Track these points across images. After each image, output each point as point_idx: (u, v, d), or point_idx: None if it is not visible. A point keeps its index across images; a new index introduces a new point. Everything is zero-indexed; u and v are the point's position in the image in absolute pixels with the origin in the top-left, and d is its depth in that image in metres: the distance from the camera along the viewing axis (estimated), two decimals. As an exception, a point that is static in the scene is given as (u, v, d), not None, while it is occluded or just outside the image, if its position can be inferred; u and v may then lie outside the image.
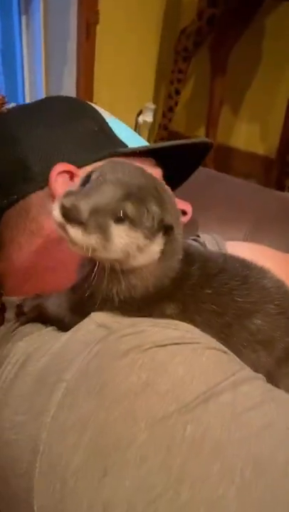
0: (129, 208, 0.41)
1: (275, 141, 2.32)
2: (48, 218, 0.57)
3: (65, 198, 0.41)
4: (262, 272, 0.50)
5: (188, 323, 0.47)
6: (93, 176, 0.43)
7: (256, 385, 0.41)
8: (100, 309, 0.47)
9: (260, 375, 0.44)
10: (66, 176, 0.57)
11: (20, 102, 0.70)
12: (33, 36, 1.84)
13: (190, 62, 2.19)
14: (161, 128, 2.36)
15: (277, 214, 0.92)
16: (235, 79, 2.37)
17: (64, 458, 0.37)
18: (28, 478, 0.39)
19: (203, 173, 0.98)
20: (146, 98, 2.48)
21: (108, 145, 0.61)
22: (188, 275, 0.47)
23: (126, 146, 0.63)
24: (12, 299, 0.60)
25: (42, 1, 1.76)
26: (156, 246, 0.44)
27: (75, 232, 0.40)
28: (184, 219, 0.69)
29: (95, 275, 0.43)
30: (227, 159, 2.55)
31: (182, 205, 0.69)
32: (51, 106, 0.66)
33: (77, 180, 0.57)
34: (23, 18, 1.82)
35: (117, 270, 0.44)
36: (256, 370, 0.46)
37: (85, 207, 0.40)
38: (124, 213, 0.41)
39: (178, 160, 0.72)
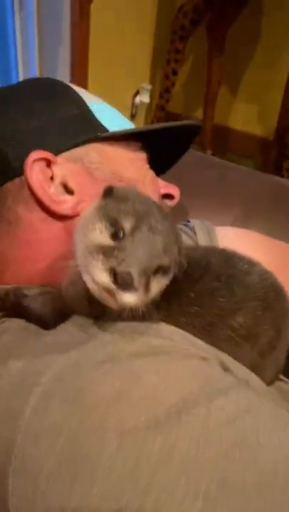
0: (167, 260, 0.42)
1: (273, 122, 2.30)
2: (24, 207, 0.56)
3: (108, 258, 0.40)
4: (249, 267, 0.50)
5: (172, 324, 0.47)
6: (127, 224, 0.42)
7: (233, 398, 0.40)
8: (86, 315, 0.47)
9: (241, 383, 0.44)
10: (43, 164, 0.56)
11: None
12: (26, 16, 1.81)
13: (187, 42, 2.15)
14: (158, 109, 2.33)
15: (268, 199, 0.92)
16: (234, 59, 2.34)
17: (37, 462, 0.38)
18: (2, 478, 0.39)
19: (193, 157, 0.97)
20: (142, 78, 2.45)
21: (88, 130, 0.59)
22: (172, 283, 0.46)
23: (106, 130, 0.60)
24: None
25: (35, -21, 1.73)
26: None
27: (127, 297, 0.40)
28: (171, 203, 0.69)
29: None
30: (225, 140, 2.54)
31: (170, 188, 0.68)
32: (29, 90, 0.63)
33: (54, 168, 0.56)
34: (16, -3, 1.79)
35: None
36: (241, 362, 0.48)
37: (136, 272, 0.40)
38: (162, 265, 0.42)
39: (167, 142, 0.70)
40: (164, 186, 0.67)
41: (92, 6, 1.84)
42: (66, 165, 0.57)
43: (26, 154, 0.55)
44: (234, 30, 2.23)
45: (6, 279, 0.59)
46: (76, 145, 0.57)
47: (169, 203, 0.67)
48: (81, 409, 0.38)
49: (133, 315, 0.45)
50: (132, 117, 2.48)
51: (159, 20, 2.34)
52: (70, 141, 0.58)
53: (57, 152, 0.57)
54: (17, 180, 0.56)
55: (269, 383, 0.53)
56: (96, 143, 0.59)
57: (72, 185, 0.56)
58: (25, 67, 1.92)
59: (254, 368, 0.49)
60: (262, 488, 0.35)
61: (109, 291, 0.40)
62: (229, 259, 0.50)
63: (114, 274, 0.40)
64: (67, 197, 0.55)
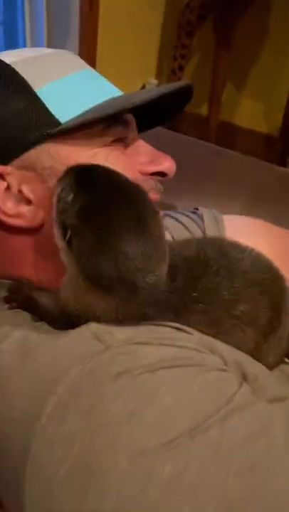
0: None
1: (279, 119, 2.31)
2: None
3: None
4: (239, 253, 0.50)
5: (184, 323, 0.47)
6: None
7: (248, 417, 0.40)
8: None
9: (254, 400, 0.42)
10: None
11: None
12: (36, 7, 1.82)
13: (194, 38, 2.16)
14: (164, 104, 2.33)
15: (275, 189, 0.93)
16: (240, 55, 2.34)
17: (51, 468, 0.39)
18: (20, 475, 0.41)
19: (202, 147, 0.99)
20: (148, 73, 2.46)
21: (36, 127, 0.50)
22: (173, 289, 0.47)
23: (58, 123, 0.51)
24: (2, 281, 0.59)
25: (44, -29, 1.74)
26: None
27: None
28: (164, 179, 0.58)
29: None
30: (229, 136, 2.54)
31: (159, 164, 0.57)
32: None
33: (8, 178, 0.50)
34: (26, -11, 1.80)
35: None
36: (245, 346, 0.49)
37: None
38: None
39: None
40: (152, 163, 0.57)
41: (101, 1, 1.85)
42: (18, 173, 0.51)
43: None
44: (241, 26, 2.23)
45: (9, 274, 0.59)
46: (26, 148, 0.51)
47: (160, 179, 0.58)
48: (94, 425, 0.39)
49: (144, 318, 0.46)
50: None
51: (167, 16, 2.34)
52: (18, 144, 0.51)
53: (7, 160, 0.51)
54: None
55: (274, 366, 0.54)
56: (48, 142, 0.51)
57: (27, 194, 0.51)
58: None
59: (259, 352, 0.50)
60: None
61: None
62: (221, 248, 0.50)
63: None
64: (25, 208, 0.52)
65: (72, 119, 0.51)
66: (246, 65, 2.42)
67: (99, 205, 0.45)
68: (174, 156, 0.57)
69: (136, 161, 0.56)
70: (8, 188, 0.52)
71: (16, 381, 0.46)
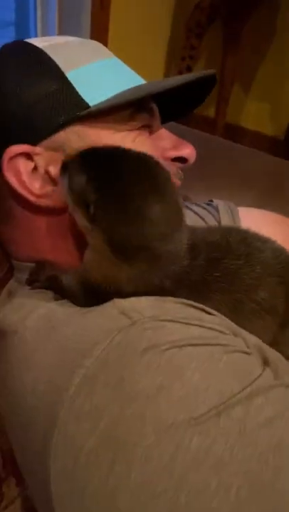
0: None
1: (285, 121, 2.32)
2: (14, 203, 0.55)
3: None
4: (262, 244, 0.51)
5: (206, 303, 0.48)
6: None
7: (272, 398, 0.40)
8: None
9: (278, 382, 0.43)
10: (21, 159, 0.52)
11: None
12: (47, 6, 1.83)
13: (202, 39, 2.17)
14: (172, 105, 2.34)
15: (286, 180, 0.94)
16: (247, 57, 2.35)
17: (78, 439, 0.40)
18: (45, 446, 0.42)
19: (214, 142, 1.00)
20: (157, 73, 2.47)
21: (66, 109, 0.52)
22: (193, 267, 0.48)
23: (87, 106, 0.52)
24: (19, 263, 0.61)
25: None
26: None
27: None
28: (184, 166, 0.60)
29: None
30: (235, 138, 2.54)
31: (181, 150, 0.59)
32: (4, 69, 0.54)
33: (36, 159, 0.52)
34: (37, -12, 1.81)
35: None
36: (265, 335, 0.49)
37: None
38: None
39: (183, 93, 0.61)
40: (174, 148, 0.59)
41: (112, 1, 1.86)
42: (47, 154, 0.52)
43: (4, 148, 0.51)
44: (248, 28, 2.25)
45: (21, 256, 0.60)
46: (55, 130, 0.52)
47: (181, 165, 0.60)
48: (122, 398, 0.39)
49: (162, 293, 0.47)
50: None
51: (176, 17, 2.36)
52: (48, 126, 0.52)
53: (36, 141, 0.52)
54: (1, 175, 0.53)
55: None
56: (77, 124, 0.52)
57: (54, 175, 0.52)
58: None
59: (276, 343, 0.50)
60: None
61: None
62: (244, 237, 0.52)
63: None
64: (51, 188, 0.53)
65: (101, 103, 0.52)
66: (253, 67, 2.43)
67: (113, 176, 0.46)
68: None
69: (159, 146, 0.58)
70: (35, 168, 0.53)
71: (42, 354, 0.47)
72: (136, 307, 0.46)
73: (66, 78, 0.52)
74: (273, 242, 0.53)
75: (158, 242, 0.46)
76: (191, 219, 0.75)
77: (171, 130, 0.62)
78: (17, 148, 0.51)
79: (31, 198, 0.53)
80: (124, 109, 0.53)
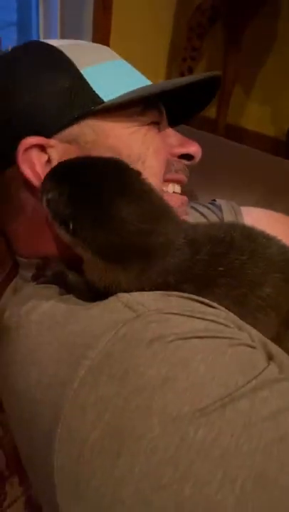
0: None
1: (286, 123, 2.32)
2: (27, 194, 0.56)
3: None
4: (267, 241, 0.52)
5: (210, 296, 0.48)
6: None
7: (277, 391, 0.40)
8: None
9: (283, 377, 0.43)
10: (36, 150, 0.53)
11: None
12: (49, 6, 1.83)
13: (204, 40, 2.17)
14: (173, 106, 2.34)
15: (289, 181, 0.94)
16: (249, 59, 2.35)
17: (82, 432, 0.40)
18: (50, 439, 0.42)
19: (215, 141, 1.00)
20: (158, 75, 2.47)
21: (81, 104, 0.54)
22: (196, 261, 0.48)
23: (101, 101, 0.54)
24: (23, 260, 0.61)
25: (59, -29, 1.76)
26: None
27: None
28: (190, 163, 0.63)
29: None
30: (237, 140, 2.54)
31: (188, 147, 0.62)
32: (15, 63, 0.57)
33: (50, 151, 0.53)
34: (40, -10, 1.82)
35: None
36: (268, 331, 0.49)
37: None
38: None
39: (187, 95, 0.64)
40: (181, 146, 0.62)
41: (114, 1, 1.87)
42: (61, 146, 0.54)
43: (18, 140, 0.52)
44: (250, 30, 2.25)
45: (26, 253, 0.61)
46: (69, 123, 0.54)
47: (187, 162, 0.62)
48: (128, 390, 0.39)
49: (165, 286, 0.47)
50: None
51: (177, 17, 2.36)
52: (63, 119, 0.53)
53: (50, 134, 0.53)
54: (15, 167, 0.54)
55: None
56: (90, 118, 0.54)
57: None
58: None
59: (280, 342, 0.50)
60: None
61: None
62: (249, 234, 0.52)
63: None
64: None
65: (115, 98, 0.54)
66: (254, 68, 2.43)
67: (81, 187, 0.48)
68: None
69: (167, 143, 0.61)
70: (48, 161, 0.54)
71: (47, 348, 0.47)
72: (140, 300, 0.46)
73: (81, 74, 0.54)
74: (279, 240, 0.53)
75: (139, 238, 0.47)
76: (194, 218, 0.75)
77: (174, 128, 0.64)
78: (32, 140, 0.53)
79: None
80: (136, 106, 0.56)
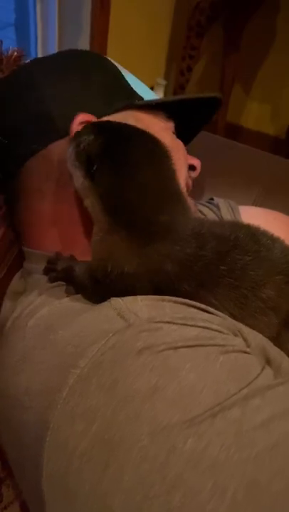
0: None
1: (286, 121, 2.32)
2: (71, 167, 0.56)
3: None
4: (271, 243, 0.52)
5: (210, 295, 0.48)
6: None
7: (269, 397, 0.40)
8: (116, 290, 0.49)
9: (277, 382, 0.42)
10: None
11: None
12: (47, 5, 1.83)
13: (203, 39, 2.17)
14: (172, 105, 2.34)
15: (288, 180, 0.93)
16: (248, 57, 2.35)
17: (71, 441, 0.39)
18: (38, 447, 0.41)
19: (214, 140, 0.99)
20: (157, 73, 2.47)
21: (125, 97, 0.63)
22: (198, 257, 0.48)
23: (142, 98, 0.64)
24: (37, 252, 0.61)
25: None
26: None
27: None
28: (194, 174, 0.71)
29: None
30: (236, 138, 2.54)
31: (193, 160, 0.70)
32: (69, 59, 0.66)
33: None
34: (37, -12, 1.81)
35: None
36: (268, 331, 0.49)
37: None
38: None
39: (188, 115, 0.73)
40: (189, 157, 0.70)
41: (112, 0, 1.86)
42: None
43: (71, 116, 0.57)
44: (250, 28, 2.24)
45: (48, 242, 0.60)
46: (115, 111, 0.60)
47: (192, 174, 0.70)
48: (116, 400, 0.39)
49: (166, 284, 0.47)
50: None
51: (176, 16, 2.35)
52: (110, 106, 0.60)
53: (98, 117, 0.58)
54: (62, 141, 0.57)
55: None
56: (132, 110, 0.62)
57: None
58: (44, 57, 1.93)
59: (280, 344, 0.50)
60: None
61: None
62: (253, 234, 0.52)
63: None
64: None
65: (152, 100, 0.63)
66: (254, 66, 2.43)
67: (118, 141, 0.51)
68: (187, 149, 0.69)
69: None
70: None
71: (37, 355, 0.47)
72: (132, 308, 0.46)
73: (123, 75, 0.63)
74: (282, 242, 0.53)
75: (151, 211, 0.48)
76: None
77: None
78: (85, 116, 0.57)
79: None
80: (163, 111, 0.65)
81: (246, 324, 0.48)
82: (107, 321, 0.45)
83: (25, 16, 1.87)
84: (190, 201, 0.63)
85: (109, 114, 0.60)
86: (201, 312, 0.47)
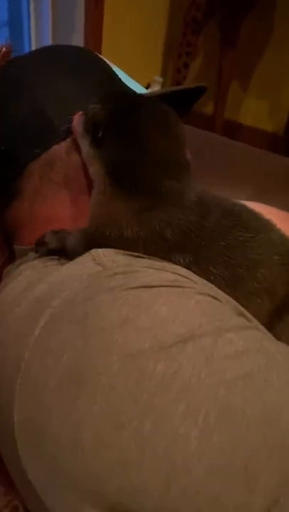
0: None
1: (284, 117, 2.31)
2: (75, 169, 0.56)
3: None
4: (269, 225, 0.52)
5: (202, 274, 0.47)
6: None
7: (244, 335, 0.40)
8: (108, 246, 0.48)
9: (255, 326, 0.43)
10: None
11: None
12: (41, 4, 1.82)
13: (199, 36, 2.16)
14: (169, 102, 2.33)
15: (282, 178, 0.92)
16: (245, 54, 2.34)
17: (41, 377, 0.39)
18: (10, 393, 0.41)
19: (206, 137, 0.98)
20: (154, 71, 2.46)
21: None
22: (200, 227, 0.47)
23: (134, 92, 0.63)
24: (23, 248, 0.61)
25: None
26: None
27: None
28: None
29: None
30: (234, 135, 2.54)
31: None
32: (62, 55, 0.64)
33: None
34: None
35: None
36: (261, 315, 0.48)
37: None
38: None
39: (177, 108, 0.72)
40: None
41: (106, -2, 1.85)
42: None
43: (68, 115, 0.55)
44: (246, 25, 2.23)
45: (29, 240, 0.59)
46: None
47: None
48: (87, 331, 0.39)
49: (161, 255, 0.46)
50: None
51: (172, 13, 2.34)
52: None
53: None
54: (63, 143, 0.56)
55: None
56: None
57: None
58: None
59: (272, 331, 0.48)
60: (262, 423, 0.35)
61: None
62: (256, 215, 0.52)
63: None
64: None
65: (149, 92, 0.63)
66: (251, 63, 2.42)
67: (125, 107, 0.52)
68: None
69: None
70: None
71: (16, 309, 0.47)
72: (111, 256, 0.46)
73: (115, 72, 0.62)
74: (280, 229, 0.53)
75: (157, 175, 0.48)
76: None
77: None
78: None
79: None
80: None
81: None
82: (84, 269, 0.45)
83: (19, 15, 1.87)
84: None
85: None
86: (182, 268, 0.46)
